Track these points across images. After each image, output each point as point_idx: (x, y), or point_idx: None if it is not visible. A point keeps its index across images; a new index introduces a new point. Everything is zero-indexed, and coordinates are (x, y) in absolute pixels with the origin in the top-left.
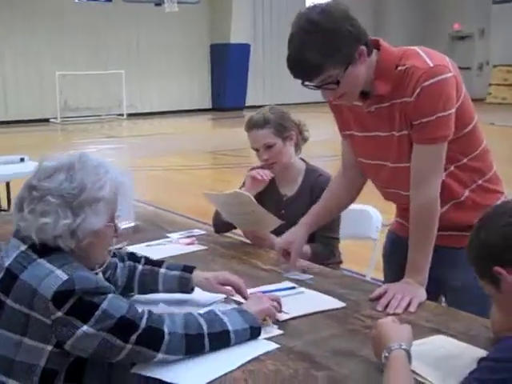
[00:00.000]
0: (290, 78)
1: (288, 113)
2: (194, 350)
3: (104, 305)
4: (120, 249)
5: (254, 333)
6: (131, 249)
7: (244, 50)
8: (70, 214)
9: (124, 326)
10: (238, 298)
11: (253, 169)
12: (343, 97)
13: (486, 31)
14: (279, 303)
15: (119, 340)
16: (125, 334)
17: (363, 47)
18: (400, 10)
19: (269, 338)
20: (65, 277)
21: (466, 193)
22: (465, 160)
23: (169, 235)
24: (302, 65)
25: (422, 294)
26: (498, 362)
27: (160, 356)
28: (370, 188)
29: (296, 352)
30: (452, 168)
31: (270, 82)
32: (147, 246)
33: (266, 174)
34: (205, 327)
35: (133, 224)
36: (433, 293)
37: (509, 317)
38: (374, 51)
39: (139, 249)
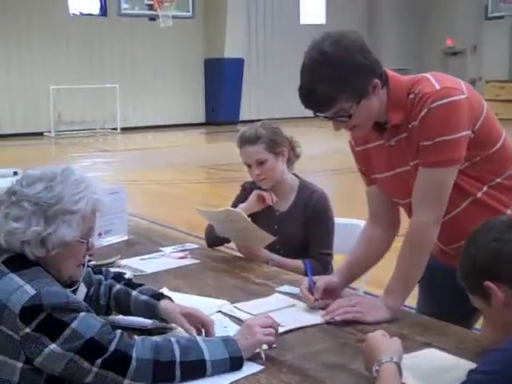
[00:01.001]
0: (283, 92)
1: (280, 128)
2: (162, 377)
3: (74, 324)
4: (113, 263)
5: (234, 363)
6: (124, 262)
7: (238, 64)
8: (42, 222)
9: (92, 349)
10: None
11: (246, 183)
12: (354, 129)
13: (478, 47)
14: (273, 326)
15: (86, 362)
16: (92, 357)
17: (377, 80)
18: (393, 28)
19: (259, 353)
20: (32, 292)
21: (508, 212)
22: (498, 180)
23: (162, 249)
24: (314, 97)
25: (378, 317)
26: (485, 375)
27: (127, 382)
28: (361, 202)
29: (288, 366)
30: (485, 188)
31: (264, 97)
32: (141, 259)
33: (273, 200)
34: (177, 355)
35: (126, 238)
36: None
37: (498, 331)
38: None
39: (133, 262)
